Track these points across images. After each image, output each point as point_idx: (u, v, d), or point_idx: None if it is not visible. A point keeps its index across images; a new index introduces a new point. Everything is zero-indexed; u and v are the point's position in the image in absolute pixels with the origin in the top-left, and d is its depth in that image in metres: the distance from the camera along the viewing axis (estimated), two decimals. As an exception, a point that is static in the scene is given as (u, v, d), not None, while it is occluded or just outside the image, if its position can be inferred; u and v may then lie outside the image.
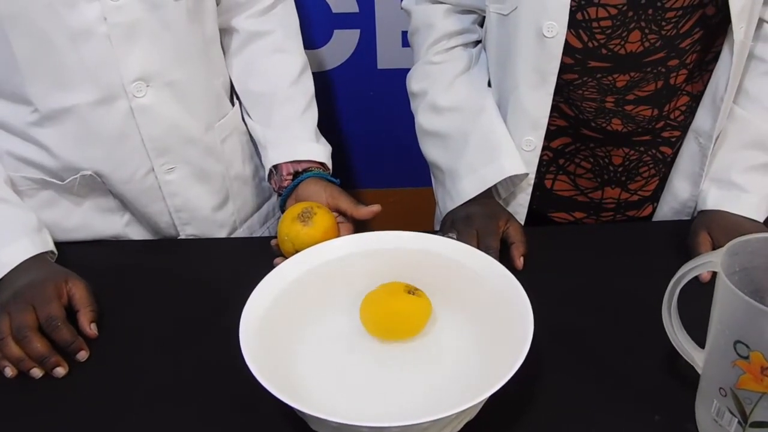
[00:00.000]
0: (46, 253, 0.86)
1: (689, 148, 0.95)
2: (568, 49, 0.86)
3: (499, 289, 0.71)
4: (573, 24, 0.85)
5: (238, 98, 1.07)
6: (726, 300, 0.57)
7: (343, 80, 1.42)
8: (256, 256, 0.88)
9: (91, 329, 0.78)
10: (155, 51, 0.88)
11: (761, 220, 0.89)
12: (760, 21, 0.88)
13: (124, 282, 0.88)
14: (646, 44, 0.85)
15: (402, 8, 1.06)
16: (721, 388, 0.59)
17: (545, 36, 0.85)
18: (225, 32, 1.04)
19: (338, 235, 0.83)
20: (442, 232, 0.90)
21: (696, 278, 0.64)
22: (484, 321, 0.72)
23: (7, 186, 0.89)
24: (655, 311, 0.65)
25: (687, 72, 0.89)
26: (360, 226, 0.92)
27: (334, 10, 1.34)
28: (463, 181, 0.95)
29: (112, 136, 0.89)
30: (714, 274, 0.58)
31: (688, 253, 0.86)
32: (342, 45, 1.37)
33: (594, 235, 0.97)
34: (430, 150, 1.03)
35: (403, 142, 1.28)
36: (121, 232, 1.00)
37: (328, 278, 0.77)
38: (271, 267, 0.75)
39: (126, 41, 0.85)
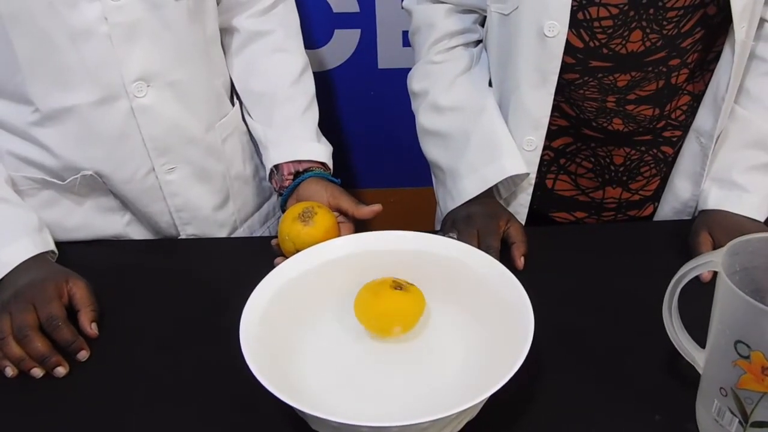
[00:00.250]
0: (46, 252, 0.86)
1: (690, 148, 0.95)
2: (569, 48, 0.86)
3: (500, 289, 0.71)
4: (574, 23, 0.84)
5: (238, 98, 1.07)
6: (727, 300, 0.56)
7: (344, 80, 1.42)
8: (256, 256, 0.88)
9: (92, 329, 0.78)
10: (156, 51, 0.88)
11: (762, 219, 0.89)
12: (761, 21, 0.88)
13: (125, 282, 0.88)
14: (647, 44, 0.85)
15: (403, 8, 1.06)
16: (721, 387, 0.59)
17: (546, 35, 0.85)
18: (225, 32, 1.04)
19: (339, 235, 0.83)
20: (443, 231, 0.90)
21: (697, 278, 0.64)
22: (485, 321, 0.72)
23: (7, 186, 0.89)
24: (656, 311, 0.65)
25: (688, 72, 0.89)
26: (360, 226, 0.92)
27: (334, 10, 1.34)
28: (463, 181, 0.95)
29: (113, 136, 0.90)
30: (715, 274, 0.58)
31: (689, 252, 0.86)
32: (343, 45, 1.37)
33: (595, 235, 0.97)
34: (431, 150, 1.03)
35: (403, 141, 1.29)
36: (121, 231, 1.00)
37: (328, 278, 0.77)
38: (272, 267, 0.75)
39: (127, 41, 0.85)
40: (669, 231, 0.93)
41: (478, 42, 1.03)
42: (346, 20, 1.35)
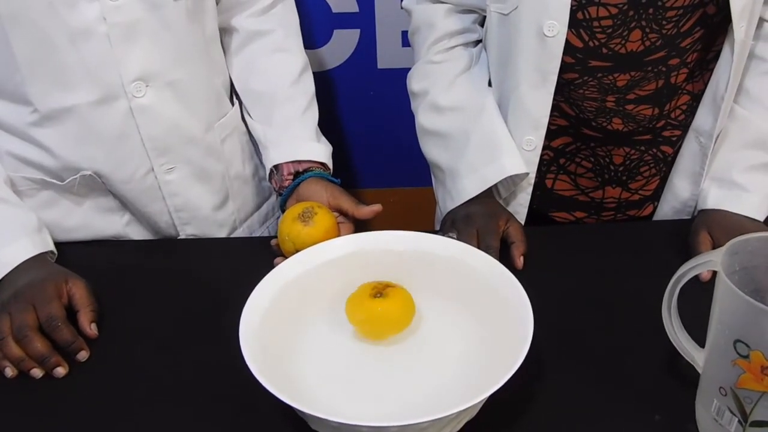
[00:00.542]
0: (46, 253, 0.86)
1: (690, 148, 0.95)
2: (568, 48, 0.86)
3: (499, 289, 0.71)
4: (574, 23, 0.84)
5: (238, 97, 1.07)
6: (726, 299, 0.56)
7: (343, 80, 1.41)
8: (256, 256, 0.88)
9: (92, 329, 0.78)
10: (155, 51, 0.88)
11: (762, 219, 0.89)
12: (761, 20, 0.88)
13: (125, 282, 0.88)
14: (647, 43, 0.85)
15: (402, 8, 1.06)
16: (721, 387, 0.59)
17: (546, 35, 0.85)
18: (225, 31, 1.04)
19: (339, 235, 0.83)
20: (443, 231, 0.90)
21: (696, 278, 0.64)
22: (484, 321, 0.72)
23: (6, 186, 0.89)
24: (655, 311, 0.65)
25: (688, 71, 0.89)
26: (360, 225, 0.92)
27: (334, 10, 1.34)
28: (463, 181, 0.95)
29: (112, 136, 0.89)
30: (714, 274, 0.58)
31: (689, 252, 0.86)
32: (342, 45, 1.37)
33: (594, 235, 0.97)
34: (431, 149, 1.03)
35: (403, 141, 1.28)
36: (121, 232, 1.00)
37: (328, 278, 0.77)
38: (272, 266, 0.75)
39: (125, 41, 0.85)
40: (668, 231, 0.93)
41: (478, 42, 1.03)
42: (345, 20, 1.35)
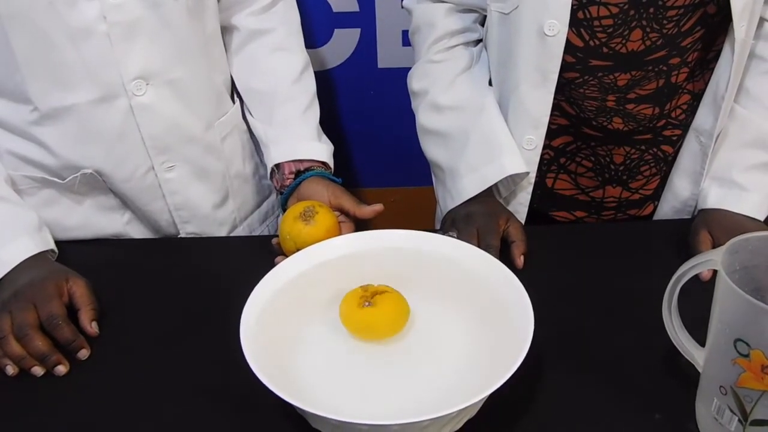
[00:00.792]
0: (46, 251, 0.86)
1: (690, 147, 0.95)
2: (569, 47, 0.86)
3: (500, 288, 0.71)
4: (574, 22, 0.85)
5: (238, 96, 1.07)
6: (726, 298, 0.57)
7: (344, 79, 1.41)
8: (256, 255, 0.88)
9: (92, 328, 0.78)
10: (155, 49, 0.88)
11: (762, 218, 0.89)
12: (761, 20, 0.88)
13: (125, 280, 0.88)
14: (648, 43, 0.85)
15: (403, 7, 1.06)
16: (721, 386, 0.59)
17: (546, 35, 0.85)
18: (226, 30, 1.04)
19: (340, 235, 0.83)
20: (443, 230, 0.90)
21: (696, 277, 0.64)
22: (484, 320, 0.72)
23: (7, 185, 0.89)
24: (656, 310, 0.65)
25: (688, 70, 0.89)
26: (361, 225, 0.92)
27: (334, 9, 1.34)
28: (463, 180, 0.95)
29: (112, 134, 0.89)
30: (714, 273, 0.58)
31: (689, 251, 0.86)
32: (342, 44, 1.37)
33: (594, 234, 0.97)
34: (431, 149, 1.03)
35: (403, 141, 1.28)
36: (121, 230, 1.00)
37: (328, 277, 0.77)
38: (272, 265, 0.75)
39: (126, 40, 0.85)
40: (669, 230, 0.93)
41: (478, 41, 1.03)
42: (345, 19, 1.35)
